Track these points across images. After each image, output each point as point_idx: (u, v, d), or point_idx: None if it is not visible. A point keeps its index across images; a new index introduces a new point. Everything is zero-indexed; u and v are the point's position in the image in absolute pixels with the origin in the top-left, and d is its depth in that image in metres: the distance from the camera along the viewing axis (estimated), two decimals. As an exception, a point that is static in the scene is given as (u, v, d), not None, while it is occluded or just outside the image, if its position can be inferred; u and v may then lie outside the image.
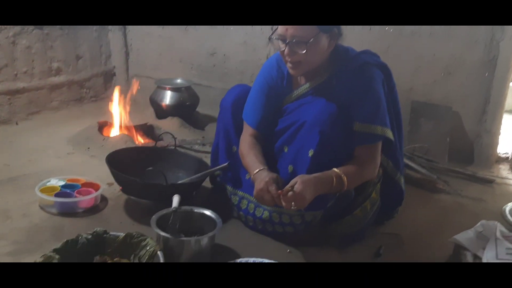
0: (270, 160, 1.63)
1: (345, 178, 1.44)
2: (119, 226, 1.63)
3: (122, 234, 1.39)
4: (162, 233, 1.39)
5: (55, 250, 1.27)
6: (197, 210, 1.57)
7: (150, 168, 1.63)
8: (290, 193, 1.36)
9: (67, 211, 1.67)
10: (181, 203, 1.52)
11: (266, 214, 1.62)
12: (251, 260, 1.46)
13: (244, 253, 1.54)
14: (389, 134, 1.55)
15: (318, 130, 1.48)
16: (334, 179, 1.43)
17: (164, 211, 1.52)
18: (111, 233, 1.41)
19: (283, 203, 1.38)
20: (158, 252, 1.34)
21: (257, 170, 1.52)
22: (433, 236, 1.79)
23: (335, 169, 1.46)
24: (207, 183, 1.94)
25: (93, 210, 1.72)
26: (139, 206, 1.75)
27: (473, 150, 2.62)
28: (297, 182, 1.38)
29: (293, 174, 1.56)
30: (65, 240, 1.32)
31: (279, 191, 1.38)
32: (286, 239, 1.64)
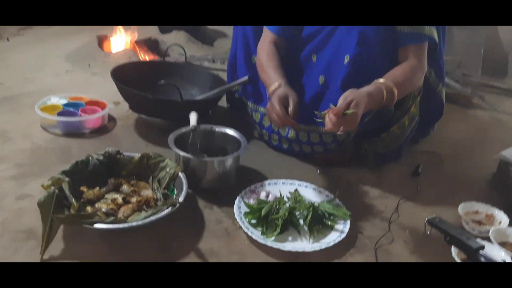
0: (295, 73, 1.43)
1: (395, 91, 1.23)
2: (132, 146, 1.47)
3: (137, 155, 1.24)
4: (183, 153, 1.24)
5: (64, 172, 1.12)
6: (218, 129, 1.40)
7: (162, 81, 1.44)
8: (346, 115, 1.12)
9: (72, 132, 1.51)
10: (198, 122, 1.36)
11: (292, 133, 1.46)
12: (280, 182, 1.32)
13: (270, 174, 1.40)
14: (435, 35, 1.34)
15: (357, 31, 1.27)
16: (385, 93, 1.22)
17: (182, 130, 1.36)
18: (125, 153, 1.25)
19: (330, 126, 1.13)
20: (180, 174, 1.19)
21: (274, 87, 1.32)
22: (473, 153, 1.65)
23: (381, 80, 1.24)
24: (222, 102, 1.76)
25: (101, 130, 1.56)
26: (151, 126, 1.59)
27: (508, 62, 2.42)
28: (353, 102, 1.11)
29: (325, 87, 1.38)
30: (74, 161, 1.16)
31: (334, 112, 1.11)
32: (315, 159, 1.50)
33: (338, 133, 1.12)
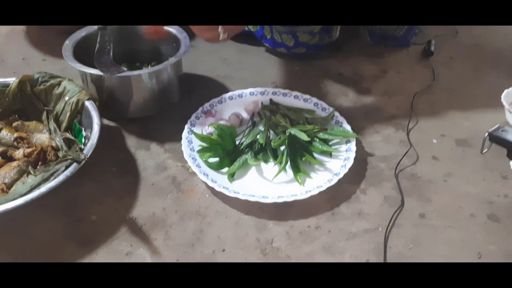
0: None
1: None
2: (21, 65, 1.00)
3: (14, 80, 0.78)
4: (90, 70, 0.78)
5: None
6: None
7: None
8: (222, 35, 0.76)
9: None
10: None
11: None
12: (246, 92, 0.90)
13: (229, 82, 0.99)
14: None
15: None
16: None
17: (86, 30, 0.88)
18: (-4, 80, 0.80)
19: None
20: (87, 103, 0.76)
21: None
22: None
23: None
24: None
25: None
26: (50, 30, 1.09)
27: None
28: None
29: None
30: None
31: None
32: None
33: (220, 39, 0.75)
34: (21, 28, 1.13)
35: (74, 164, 0.65)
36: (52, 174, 0.64)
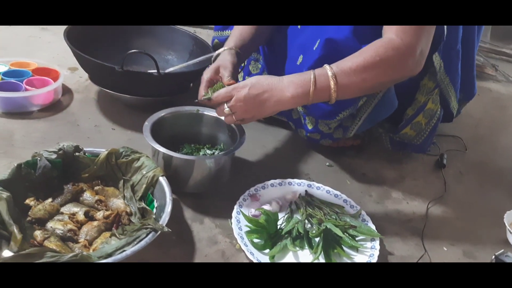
0: (281, 49, 1.16)
1: (332, 82, 0.88)
2: (94, 132, 1.16)
3: (103, 151, 0.93)
4: (163, 150, 0.94)
5: (0, 183, 0.81)
6: (208, 112, 1.10)
7: (133, 50, 1.12)
8: (226, 109, 0.94)
9: (15, 110, 1.17)
10: (175, 99, 1.07)
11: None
12: (285, 182, 1.05)
13: (266, 167, 1.14)
14: None
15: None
16: (312, 86, 0.89)
17: (162, 113, 1.05)
18: (86, 149, 0.95)
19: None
20: (160, 179, 0.90)
21: (222, 49, 1.07)
22: (497, 137, 1.45)
23: (326, 66, 0.91)
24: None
25: (53, 107, 1.22)
26: (118, 100, 1.27)
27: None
28: (233, 98, 0.92)
29: (300, 68, 1.06)
30: (16, 164, 0.85)
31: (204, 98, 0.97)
32: (321, 144, 1.23)
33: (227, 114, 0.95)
34: (92, 97, 1.30)
35: (152, 232, 0.78)
36: (135, 239, 0.77)
